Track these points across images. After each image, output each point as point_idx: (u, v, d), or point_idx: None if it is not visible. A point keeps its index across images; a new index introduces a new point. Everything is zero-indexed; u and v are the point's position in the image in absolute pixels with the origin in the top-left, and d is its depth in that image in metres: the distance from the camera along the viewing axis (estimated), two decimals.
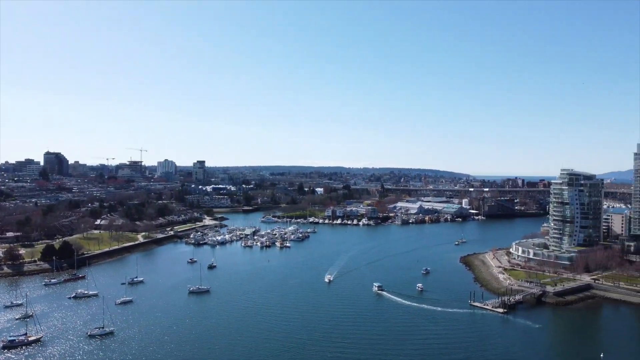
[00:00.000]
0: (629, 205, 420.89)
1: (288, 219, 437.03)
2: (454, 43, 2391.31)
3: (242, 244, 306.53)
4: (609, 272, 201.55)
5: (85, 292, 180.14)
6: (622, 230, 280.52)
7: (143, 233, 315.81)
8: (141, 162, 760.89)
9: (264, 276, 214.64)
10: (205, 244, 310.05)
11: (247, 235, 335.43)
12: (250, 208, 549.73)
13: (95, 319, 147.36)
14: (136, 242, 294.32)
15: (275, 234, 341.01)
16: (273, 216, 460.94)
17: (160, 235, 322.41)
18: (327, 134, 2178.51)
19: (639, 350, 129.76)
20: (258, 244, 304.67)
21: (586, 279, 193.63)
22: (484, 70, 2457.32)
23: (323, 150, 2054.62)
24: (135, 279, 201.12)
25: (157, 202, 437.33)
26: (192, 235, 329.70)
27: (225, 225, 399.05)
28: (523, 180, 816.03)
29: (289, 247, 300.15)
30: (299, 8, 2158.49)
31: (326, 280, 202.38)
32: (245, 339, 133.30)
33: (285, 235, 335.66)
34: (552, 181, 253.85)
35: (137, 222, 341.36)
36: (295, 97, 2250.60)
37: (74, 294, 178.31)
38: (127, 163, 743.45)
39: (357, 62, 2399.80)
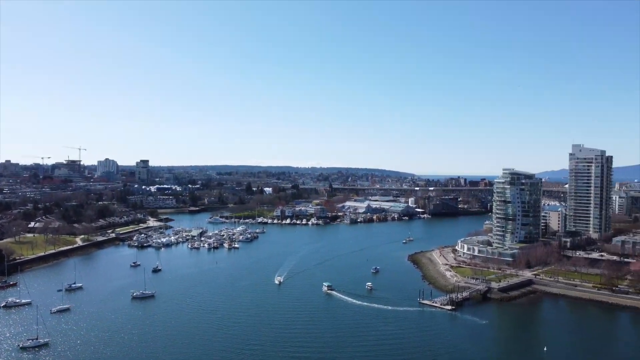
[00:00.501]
0: (562, 203, 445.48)
1: (236, 220, 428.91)
2: (396, 45, 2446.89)
3: (189, 246, 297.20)
4: (549, 267, 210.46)
5: (17, 300, 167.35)
6: (558, 227, 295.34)
7: (82, 236, 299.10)
8: (80, 161, 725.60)
9: (212, 279, 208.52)
10: (149, 246, 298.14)
11: (194, 236, 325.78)
12: (197, 208, 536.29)
13: (28, 329, 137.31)
14: (74, 246, 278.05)
15: (223, 235, 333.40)
16: (221, 217, 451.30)
17: (100, 238, 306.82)
18: (275, 134, 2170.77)
19: (578, 342, 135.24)
20: (205, 245, 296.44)
21: (528, 274, 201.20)
22: (427, 73, 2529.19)
23: (271, 149, 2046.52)
24: (73, 285, 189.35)
25: (97, 203, 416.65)
26: (135, 238, 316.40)
27: (171, 227, 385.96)
28: (465, 180, 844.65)
29: (237, 248, 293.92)
30: (234, 7, 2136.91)
31: (276, 281, 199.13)
32: (193, 345, 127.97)
33: (234, 236, 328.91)
34: (495, 180, 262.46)
35: (76, 225, 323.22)
36: (242, 96, 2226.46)
37: (3, 303, 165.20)
38: (65, 162, 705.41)
39: (303, 63, 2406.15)
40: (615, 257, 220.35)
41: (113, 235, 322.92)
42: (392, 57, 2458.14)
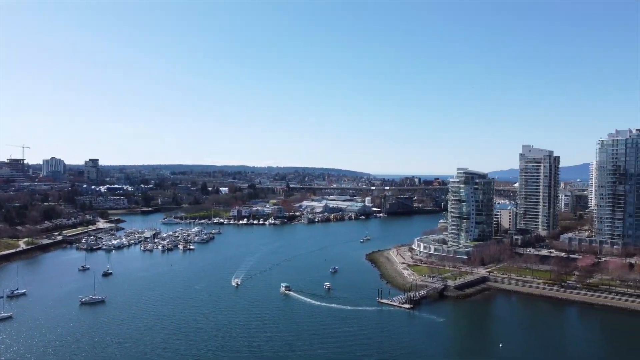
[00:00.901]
0: (512, 202, 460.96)
1: (191, 220, 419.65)
2: (350, 44, 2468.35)
3: (142, 248, 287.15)
4: (501, 264, 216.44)
5: None
6: (509, 225, 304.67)
7: (25, 239, 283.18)
8: (23, 160, 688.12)
9: (167, 282, 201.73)
10: (99, 249, 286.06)
11: (147, 238, 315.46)
12: (150, 209, 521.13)
13: None
14: (17, 249, 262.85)
15: (178, 236, 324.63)
16: (175, 217, 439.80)
17: (46, 241, 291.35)
18: (231, 133, 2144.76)
19: (531, 337, 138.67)
20: (159, 247, 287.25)
21: (482, 272, 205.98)
22: (380, 73, 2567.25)
23: (227, 149, 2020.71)
24: (15, 292, 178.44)
25: (43, 204, 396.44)
26: (84, 240, 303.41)
27: (122, 228, 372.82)
28: (419, 179, 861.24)
29: (192, 249, 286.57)
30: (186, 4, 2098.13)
31: (234, 284, 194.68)
32: (147, 352, 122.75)
33: (189, 237, 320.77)
34: (450, 179, 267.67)
35: (19, 227, 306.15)
36: (197, 94, 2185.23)
37: None
38: (7, 161, 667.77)
39: (258, 62, 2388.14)
40: (563, 254, 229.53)
41: (60, 237, 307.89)
42: (346, 57, 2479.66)
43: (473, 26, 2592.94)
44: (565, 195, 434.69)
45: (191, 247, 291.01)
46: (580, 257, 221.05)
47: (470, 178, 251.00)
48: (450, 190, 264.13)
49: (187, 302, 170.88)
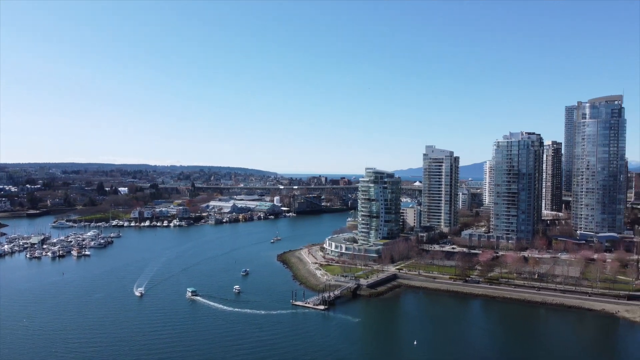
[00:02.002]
0: (414, 200, 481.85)
1: (86, 223, 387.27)
2: (257, 41, 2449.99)
3: (27, 255, 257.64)
4: (410, 261, 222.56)
5: None
6: (414, 223, 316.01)
7: None
8: None
9: (57, 293, 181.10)
10: None
11: (34, 244, 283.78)
12: (38, 212, 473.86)
13: None
14: None
15: (71, 241, 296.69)
16: (67, 220, 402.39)
17: None
18: (130, 129, 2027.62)
19: (442, 333, 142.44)
20: (49, 254, 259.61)
21: (392, 269, 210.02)
22: (284, 71, 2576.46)
23: (125, 146, 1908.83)
24: None
25: None
26: None
27: (4, 234, 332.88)
28: (326, 178, 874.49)
29: (88, 255, 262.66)
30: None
31: (137, 293, 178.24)
32: None
33: (84, 242, 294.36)
34: (360, 179, 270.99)
35: None
36: (90, 84, 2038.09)
37: None
38: None
39: (160, 53, 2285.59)
40: (465, 249, 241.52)
41: None
42: (251, 55, 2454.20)
43: (375, 25, 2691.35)
44: (463, 193, 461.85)
45: (86, 252, 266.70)
46: (480, 252, 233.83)
47: (380, 177, 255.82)
48: (360, 189, 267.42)
49: (82, 314, 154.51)
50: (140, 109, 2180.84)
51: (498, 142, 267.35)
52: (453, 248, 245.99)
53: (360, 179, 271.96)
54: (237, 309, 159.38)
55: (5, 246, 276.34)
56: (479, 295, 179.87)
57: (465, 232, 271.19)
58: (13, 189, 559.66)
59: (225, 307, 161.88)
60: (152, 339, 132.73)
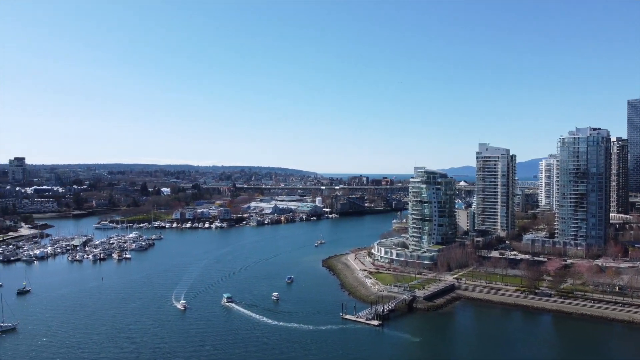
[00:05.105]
0: (461, 201, 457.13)
1: (129, 224, 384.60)
2: (295, 46, 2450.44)
3: (69, 258, 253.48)
4: (467, 269, 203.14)
5: None
6: (467, 226, 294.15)
7: None
8: None
9: (94, 300, 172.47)
10: (17, 260, 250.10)
11: (76, 246, 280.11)
12: (83, 212, 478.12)
13: None
14: None
15: (113, 243, 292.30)
16: (110, 221, 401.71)
17: None
18: (173, 130, 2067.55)
19: (513, 355, 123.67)
20: (90, 256, 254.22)
21: (449, 279, 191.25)
22: (322, 73, 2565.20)
23: (168, 147, 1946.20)
24: None
25: None
26: (0, 250, 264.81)
27: (49, 235, 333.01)
28: (368, 178, 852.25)
29: (129, 258, 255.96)
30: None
31: (180, 306, 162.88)
32: None
33: (125, 245, 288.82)
34: (410, 179, 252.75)
35: None
36: (136, 89, 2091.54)
37: None
38: None
39: (199, 59, 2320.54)
40: (527, 256, 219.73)
41: None
42: (294, 57, 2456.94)
43: (411, 28, 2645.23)
44: (516, 194, 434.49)
45: (127, 255, 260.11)
46: (546, 259, 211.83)
47: (432, 178, 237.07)
48: (410, 190, 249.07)
49: (116, 326, 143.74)
50: (182, 112, 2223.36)
51: (563, 138, 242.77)
52: (515, 255, 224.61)
53: (410, 180, 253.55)
54: (281, 323, 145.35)
55: (49, 248, 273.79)
56: (551, 311, 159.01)
57: (527, 237, 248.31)
58: (60, 189, 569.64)
59: (267, 320, 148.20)
60: (192, 351, 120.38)
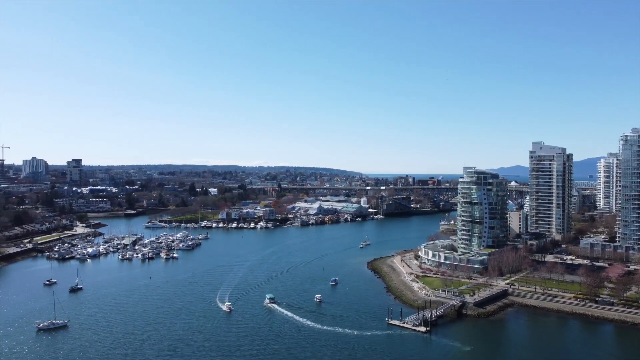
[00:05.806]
0: (512, 202, 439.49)
1: (177, 224, 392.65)
2: (335, 46, 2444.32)
3: (120, 257, 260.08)
4: (521, 274, 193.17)
5: None
6: (519, 229, 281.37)
7: None
8: (2, 160, 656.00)
9: (142, 299, 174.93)
10: (72, 258, 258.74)
11: (127, 245, 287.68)
12: (134, 212, 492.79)
13: None
14: None
15: (161, 242, 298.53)
16: (160, 221, 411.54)
17: (13, 250, 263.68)
18: (221, 132, 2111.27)
19: None
20: (139, 255, 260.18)
21: (501, 284, 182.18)
22: (366, 74, 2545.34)
23: (216, 148, 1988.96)
24: None
25: (15, 208, 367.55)
26: (56, 248, 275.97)
27: (102, 234, 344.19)
28: (414, 178, 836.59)
29: (176, 258, 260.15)
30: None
31: (225, 309, 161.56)
32: None
33: (173, 244, 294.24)
34: (460, 180, 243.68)
35: None
36: (185, 94, 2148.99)
37: None
38: None
39: (248, 61, 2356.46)
40: (586, 261, 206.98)
41: (30, 245, 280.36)
42: (332, 57, 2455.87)
43: (466, 26, 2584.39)
44: (572, 195, 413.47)
45: (174, 255, 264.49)
46: (607, 265, 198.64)
47: (482, 178, 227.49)
48: (459, 191, 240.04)
49: (161, 327, 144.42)
50: (231, 112, 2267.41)
51: (626, 136, 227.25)
52: (572, 259, 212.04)
53: (460, 180, 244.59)
54: (325, 327, 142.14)
55: (101, 247, 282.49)
56: (614, 321, 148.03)
57: (585, 241, 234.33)
58: (114, 189, 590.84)
59: (310, 323, 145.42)
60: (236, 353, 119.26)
